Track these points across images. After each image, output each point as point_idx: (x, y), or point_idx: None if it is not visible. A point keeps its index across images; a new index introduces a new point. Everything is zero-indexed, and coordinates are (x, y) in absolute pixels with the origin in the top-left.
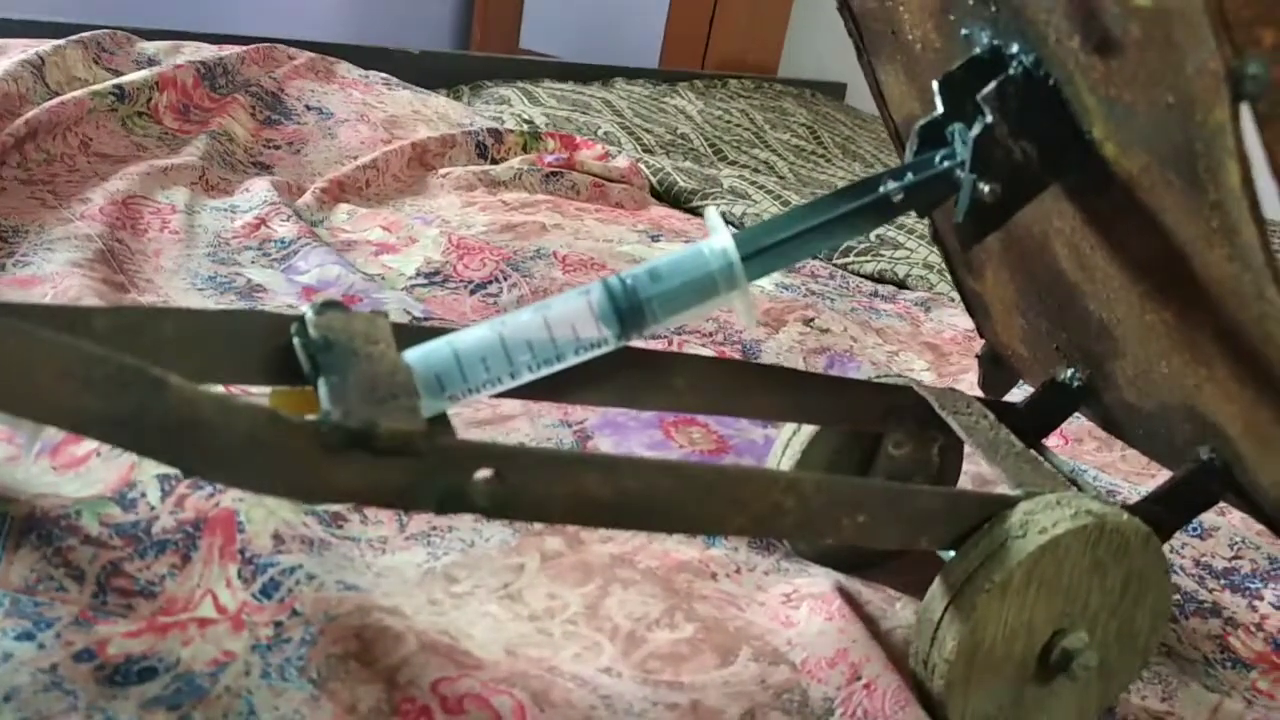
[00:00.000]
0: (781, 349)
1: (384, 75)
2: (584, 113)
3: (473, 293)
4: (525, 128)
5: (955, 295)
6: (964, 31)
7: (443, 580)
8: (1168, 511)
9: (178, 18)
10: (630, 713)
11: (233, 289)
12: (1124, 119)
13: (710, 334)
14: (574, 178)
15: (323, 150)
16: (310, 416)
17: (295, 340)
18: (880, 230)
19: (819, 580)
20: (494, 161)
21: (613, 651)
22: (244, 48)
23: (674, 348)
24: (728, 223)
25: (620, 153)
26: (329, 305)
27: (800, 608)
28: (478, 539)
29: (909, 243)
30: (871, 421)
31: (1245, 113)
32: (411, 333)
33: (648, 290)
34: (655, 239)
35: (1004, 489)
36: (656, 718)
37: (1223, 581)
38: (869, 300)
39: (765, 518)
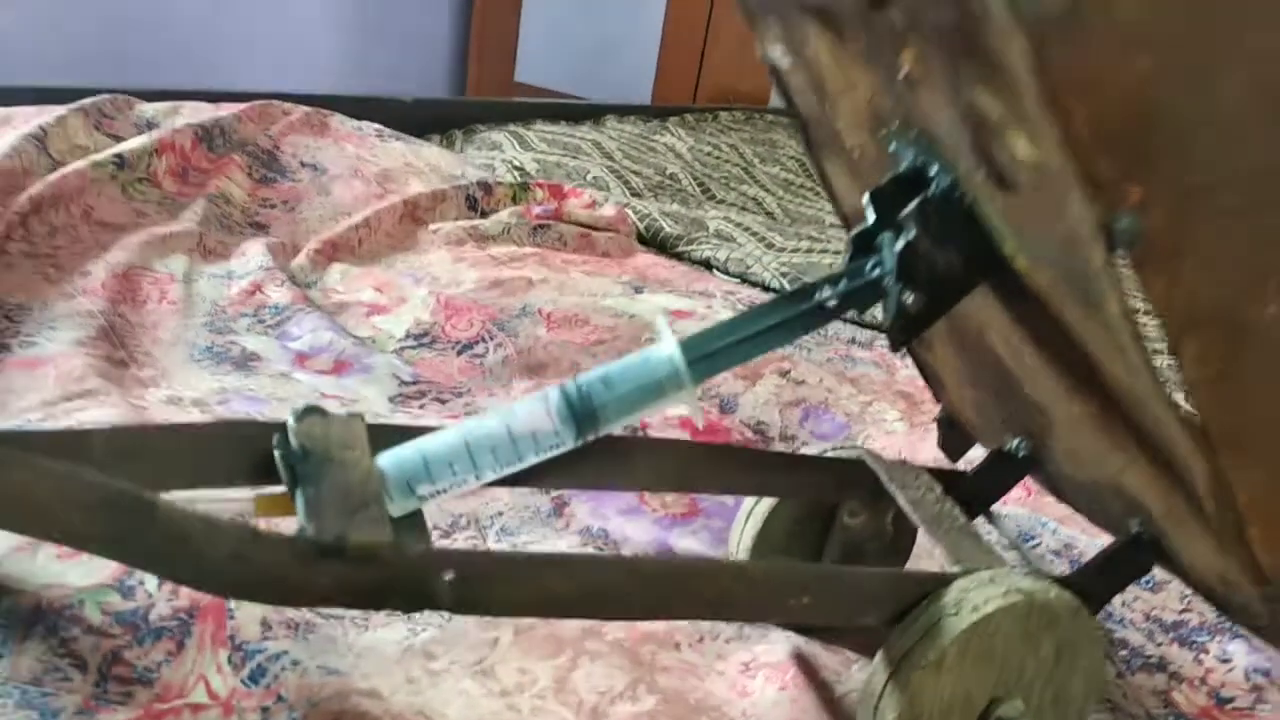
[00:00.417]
0: (759, 401)
1: (377, 126)
2: (574, 156)
3: (459, 354)
4: (515, 177)
5: None
6: (891, 147)
7: (421, 657)
8: (1101, 582)
9: (177, 75)
10: None
11: (229, 359)
12: (1029, 241)
13: None
14: (561, 229)
15: (317, 207)
16: (288, 530)
17: (276, 452)
18: None
19: (777, 647)
20: (484, 214)
21: None
22: (241, 106)
23: None
24: (713, 268)
25: (608, 199)
26: (310, 411)
27: (756, 677)
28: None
29: None
30: (827, 493)
31: None
32: (387, 433)
33: (601, 397)
34: (639, 290)
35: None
36: None
37: (1171, 635)
38: (846, 349)
39: (717, 604)
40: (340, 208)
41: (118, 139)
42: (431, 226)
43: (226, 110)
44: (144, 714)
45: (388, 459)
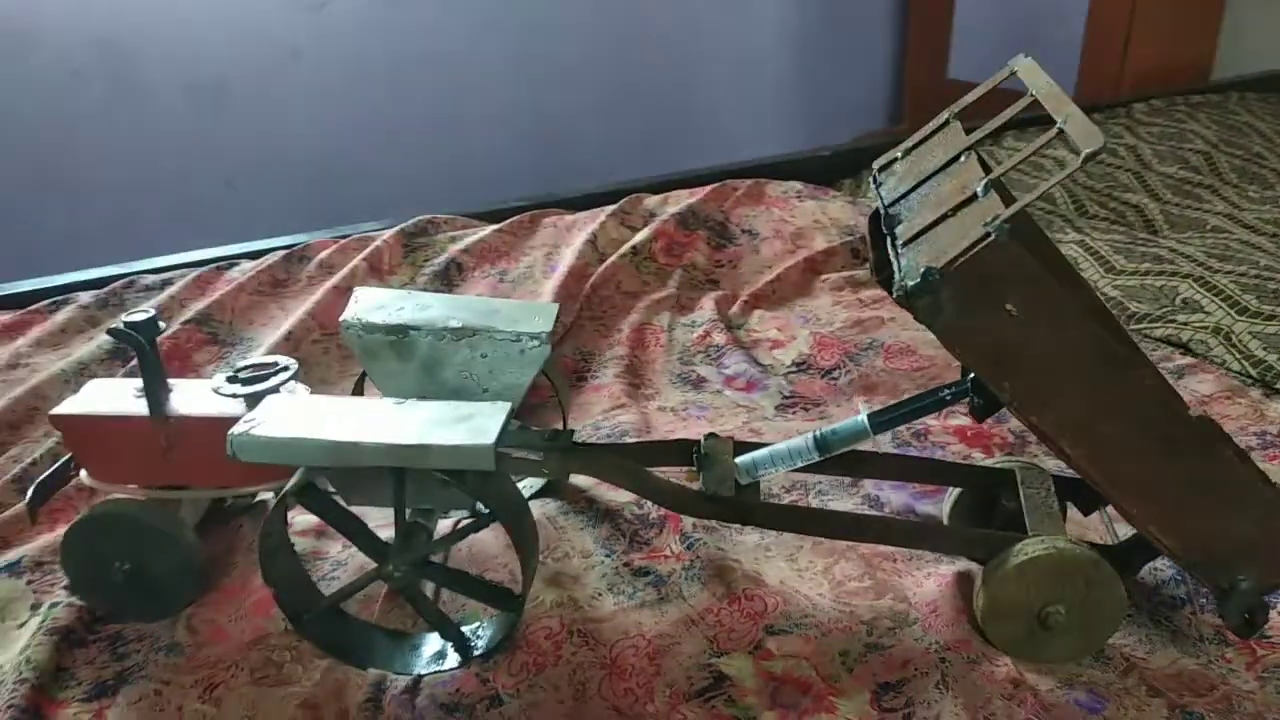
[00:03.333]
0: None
1: (799, 186)
2: None
3: (822, 377)
4: None
5: (1218, 362)
6: None
7: (763, 549)
8: (1126, 553)
9: (667, 162)
10: (820, 610)
11: (689, 381)
12: None
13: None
14: None
15: (751, 264)
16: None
17: (694, 454)
18: (1185, 292)
19: (945, 567)
20: (864, 261)
21: (828, 588)
22: (707, 189)
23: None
24: None
25: None
26: (710, 436)
27: (930, 578)
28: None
29: (1208, 304)
30: (992, 488)
31: None
32: (744, 446)
33: (828, 438)
34: None
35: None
36: (836, 612)
37: None
38: None
39: (903, 539)
40: (764, 263)
41: (634, 230)
42: (822, 277)
43: (697, 195)
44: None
45: (742, 459)
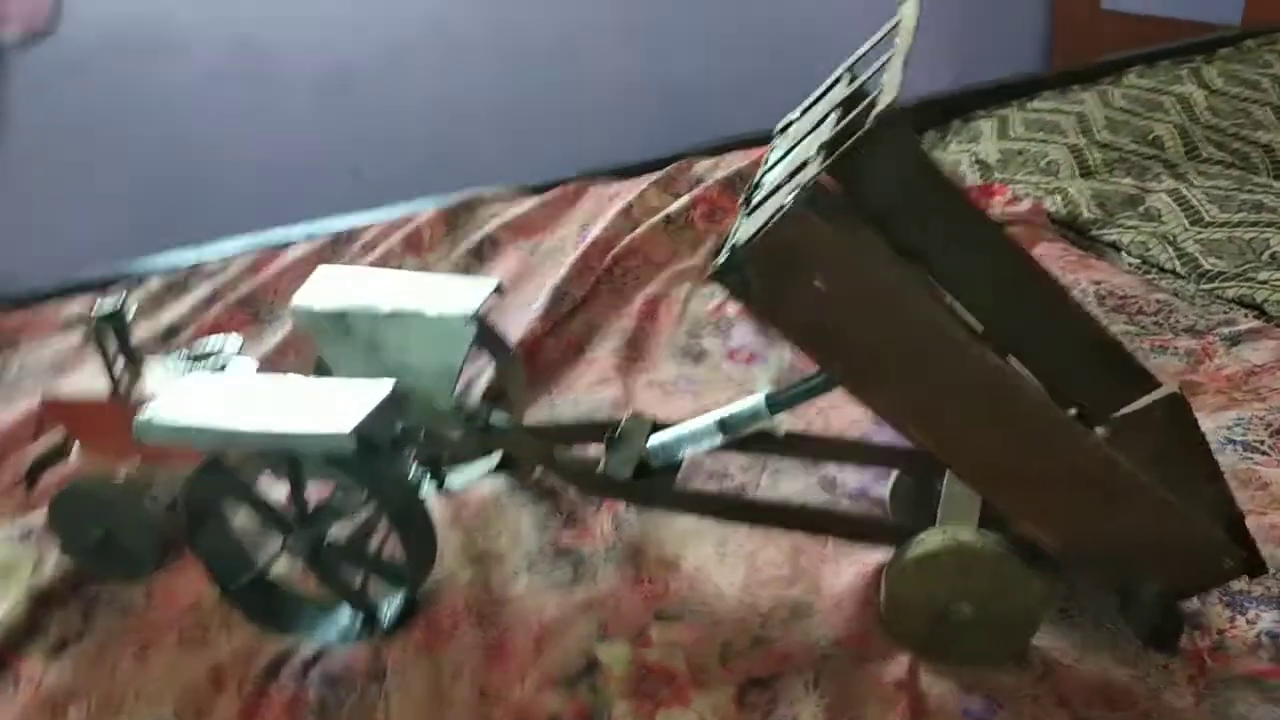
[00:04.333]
0: None
1: None
2: (1044, 140)
3: None
4: (975, 174)
5: None
6: None
7: (697, 535)
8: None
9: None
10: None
11: (690, 355)
12: None
13: None
14: None
15: None
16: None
17: (606, 436)
18: (1275, 245)
19: (874, 555)
20: None
21: (742, 574)
22: (762, 150)
23: None
24: (1123, 253)
25: (1033, 194)
26: (633, 416)
27: (851, 566)
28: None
29: None
30: (926, 470)
31: None
32: (658, 426)
33: (728, 421)
34: None
35: None
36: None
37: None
38: (1169, 337)
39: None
40: None
41: (677, 196)
42: None
43: (751, 157)
44: None
45: (653, 441)
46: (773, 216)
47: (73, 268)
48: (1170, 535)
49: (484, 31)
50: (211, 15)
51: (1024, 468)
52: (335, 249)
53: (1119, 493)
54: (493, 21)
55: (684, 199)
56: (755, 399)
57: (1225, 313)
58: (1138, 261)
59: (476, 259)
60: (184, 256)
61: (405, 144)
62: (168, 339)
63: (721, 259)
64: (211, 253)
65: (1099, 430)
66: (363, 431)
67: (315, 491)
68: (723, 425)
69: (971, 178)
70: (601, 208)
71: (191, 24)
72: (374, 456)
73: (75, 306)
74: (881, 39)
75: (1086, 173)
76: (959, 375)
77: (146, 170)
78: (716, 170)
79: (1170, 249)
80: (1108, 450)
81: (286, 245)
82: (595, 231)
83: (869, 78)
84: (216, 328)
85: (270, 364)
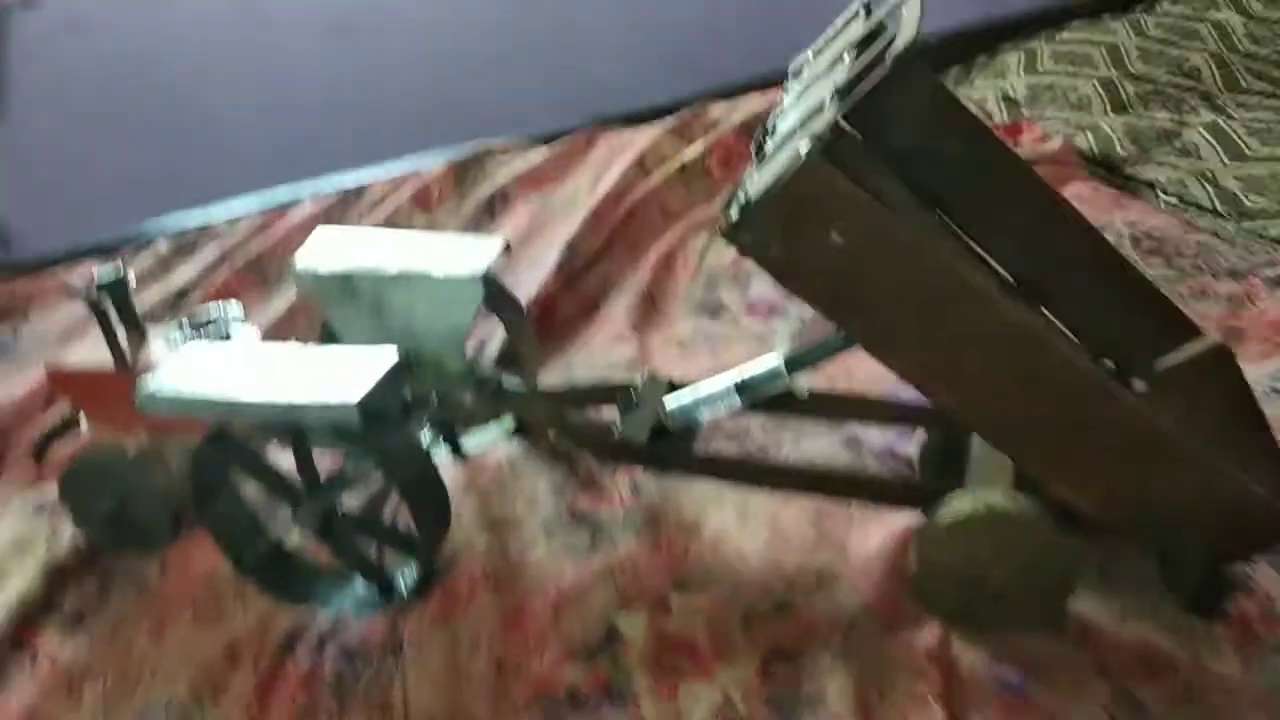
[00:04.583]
0: None
1: None
2: (1074, 73)
3: None
4: (1002, 111)
5: None
6: None
7: (718, 495)
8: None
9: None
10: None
11: (708, 309)
12: None
13: None
14: None
15: None
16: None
17: (620, 399)
18: None
19: (901, 518)
20: None
21: (765, 539)
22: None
23: None
24: (1159, 192)
25: (1064, 130)
26: (652, 376)
27: (877, 530)
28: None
29: None
30: (953, 428)
31: None
32: (674, 386)
33: (761, 378)
34: None
35: None
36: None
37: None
38: (1209, 281)
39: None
40: None
41: (693, 143)
42: None
43: (770, 99)
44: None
45: (670, 404)
46: (787, 168)
47: (81, 229)
48: (1215, 496)
49: None
50: None
51: (1055, 428)
52: (343, 207)
53: (1159, 453)
54: None
55: (699, 145)
56: (773, 359)
57: (1268, 253)
58: (1175, 200)
59: (487, 214)
60: (191, 217)
61: (409, 93)
62: (178, 302)
63: (733, 213)
64: (219, 212)
65: (1136, 384)
66: (368, 402)
67: (327, 460)
68: (741, 388)
69: (998, 115)
70: (614, 157)
71: None
72: (380, 427)
73: (82, 272)
74: None
75: (1119, 107)
76: (983, 329)
77: (150, 127)
78: (733, 114)
79: (1209, 186)
80: (1146, 408)
81: (294, 204)
82: (608, 183)
83: (886, 13)
84: (225, 291)
85: (279, 329)
